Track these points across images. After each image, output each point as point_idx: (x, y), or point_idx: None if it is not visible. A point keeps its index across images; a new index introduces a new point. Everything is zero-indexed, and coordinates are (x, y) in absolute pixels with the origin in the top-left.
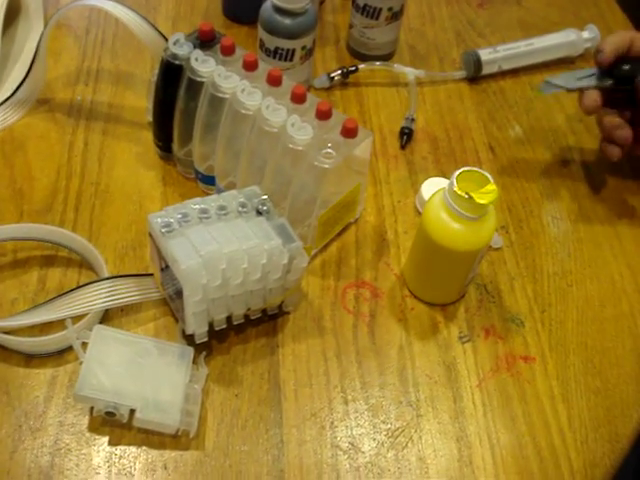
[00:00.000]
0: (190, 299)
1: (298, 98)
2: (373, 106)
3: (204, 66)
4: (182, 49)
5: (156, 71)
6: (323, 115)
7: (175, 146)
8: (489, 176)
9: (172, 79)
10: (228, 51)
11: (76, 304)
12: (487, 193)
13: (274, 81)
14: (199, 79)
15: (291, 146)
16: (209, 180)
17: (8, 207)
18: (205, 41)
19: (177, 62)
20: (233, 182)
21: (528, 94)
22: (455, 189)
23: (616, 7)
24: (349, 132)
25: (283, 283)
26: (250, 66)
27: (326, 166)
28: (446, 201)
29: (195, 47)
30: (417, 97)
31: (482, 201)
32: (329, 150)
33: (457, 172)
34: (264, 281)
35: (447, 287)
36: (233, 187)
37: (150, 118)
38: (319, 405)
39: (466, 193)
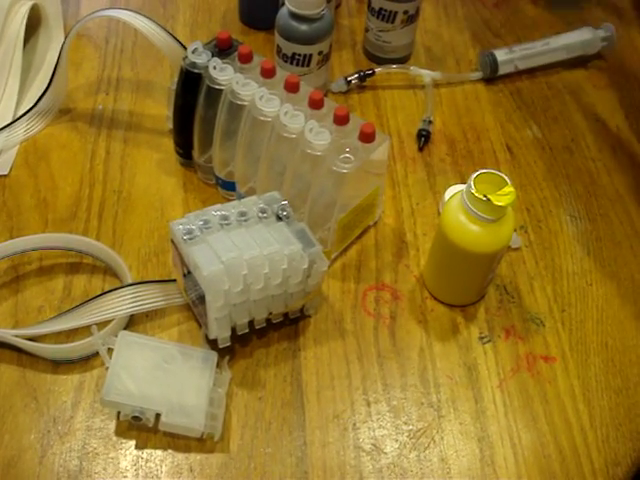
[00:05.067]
0: (212, 305)
1: (316, 104)
2: (390, 109)
3: (222, 74)
4: (201, 57)
5: (175, 79)
6: (341, 120)
7: (195, 153)
8: (507, 178)
9: (191, 87)
10: (246, 59)
11: (101, 311)
12: (505, 195)
13: (292, 87)
14: (218, 87)
15: (309, 151)
16: (229, 186)
17: (33, 216)
18: (223, 49)
19: (196, 70)
20: (253, 188)
21: (545, 93)
22: (473, 191)
23: (631, 5)
24: (367, 137)
25: (304, 287)
26: (268, 73)
27: (344, 171)
28: (464, 204)
29: (213, 55)
30: (434, 99)
31: (500, 203)
32: (347, 155)
33: (475, 174)
34: (285, 286)
35: (467, 288)
36: (253, 193)
37: (170, 125)
38: (341, 407)
39: (484, 195)
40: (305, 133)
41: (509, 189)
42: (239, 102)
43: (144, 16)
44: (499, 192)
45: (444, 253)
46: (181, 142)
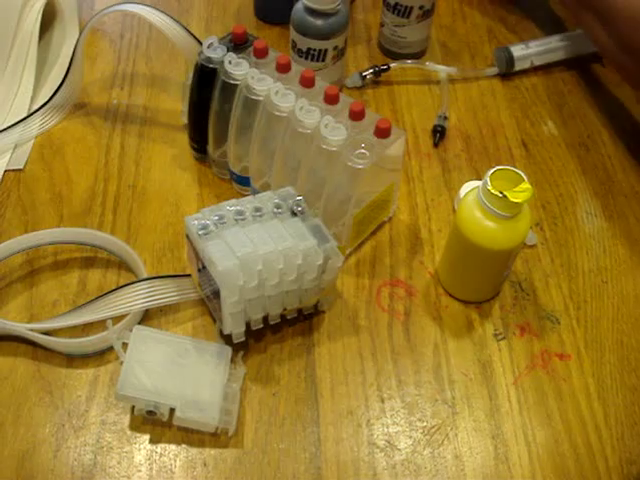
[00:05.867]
0: (227, 300)
1: (331, 99)
2: (405, 104)
3: (238, 69)
4: (216, 52)
5: (190, 74)
6: (356, 116)
7: (210, 147)
8: (523, 175)
9: (206, 82)
10: (261, 53)
11: (115, 305)
12: (521, 192)
13: (307, 82)
14: (233, 82)
15: (325, 147)
16: (244, 181)
17: (48, 210)
18: (238, 44)
19: (211, 65)
20: (268, 183)
21: (561, 89)
22: (489, 188)
23: None
24: (382, 132)
25: (318, 283)
26: (283, 68)
27: (360, 166)
28: (480, 200)
29: (229, 50)
30: (449, 95)
31: (516, 200)
32: (363, 150)
33: (491, 171)
34: (300, 281)
35: (482, 285)
36: (268, 188)
37: (185, 120)
38: (355, 403)
39: (500, 192)
40: (320, 129)
41: (525, 186)
42: (254, 97)
43: (159, 11)
44: (515, 189)
45: (459, 249)
46: (196, 137)
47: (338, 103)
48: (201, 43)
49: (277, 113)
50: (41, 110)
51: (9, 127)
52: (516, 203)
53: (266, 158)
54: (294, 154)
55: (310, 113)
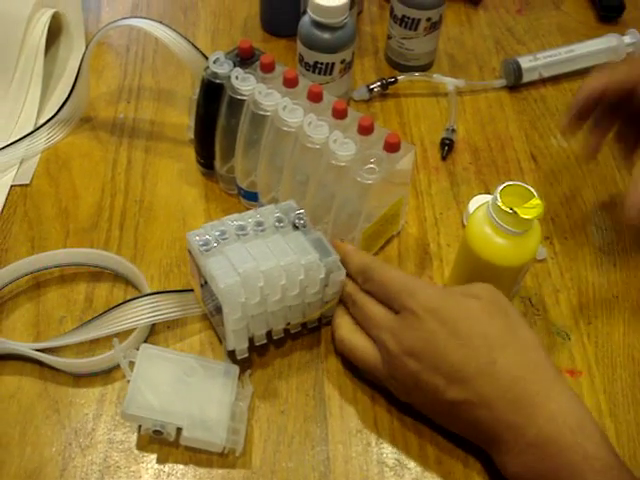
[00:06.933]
0: (230, 317)
1: (339, 113)
2: (413, 117)
3: (245, 84)
4: (222, 68)
5: (197, 89)
6: (365, 130)
7: (217, 163)
8: (533, 190)
9: (213, 97)
10: (268, 68)
11: (120, 321)
12: (532, 208)
13: (315, 97)
14: (240, 97)
15: (334, 162)
16: (251, 196)
17: (54, 225)
18: (245, 58)
19: (218, 81)
20: (276, 198)
21: (570, 101)
22: (499, 204)
23: None
24: (392, 147)
25: (322, 297)
26: (290, 83)
27: (369, 182)
28: (490, 216)
29: (235, 65)
30: (457, 107)
31: (527, 216)
32: (372, 165)
33: (501, 187)
34: (302, 296)
35: None
36: (276, 203)
37: (191, 135)
38: (364, 421)
39: (510, 208)
40: (329, 144)
41: (536, 202)
42: (262, 112)
43: (165, 25)
44: (525, 205)
45: (469, 265)
46: (203, 152)
47: (346, 117)
48: (207, 58)
49: (285, 128)
50: (47, 124)
51: (15, 142)
52: (526, 219)
53: (274, 173)
54: (302, 169)
55: (319, 128)
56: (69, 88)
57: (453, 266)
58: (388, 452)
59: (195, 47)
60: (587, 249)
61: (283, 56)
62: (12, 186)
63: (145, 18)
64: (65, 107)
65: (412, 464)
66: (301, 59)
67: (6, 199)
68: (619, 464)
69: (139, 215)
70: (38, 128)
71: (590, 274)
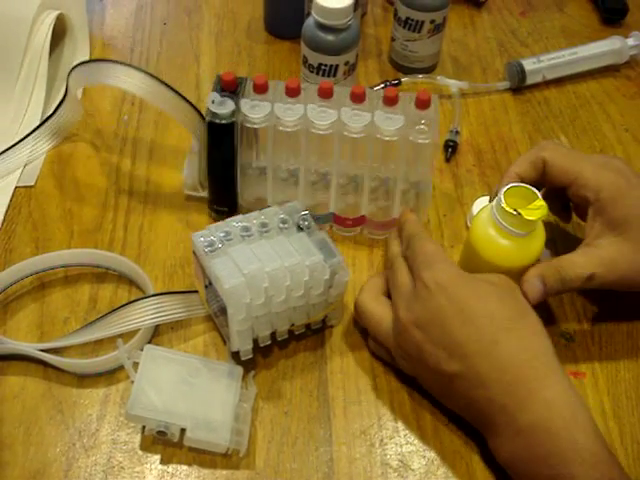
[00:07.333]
0: (234, 317)
1: (359, 98)
2: None
3: (257, 111)
4: (223, 106)
5: (194, 143)
6: (390, 101)
7: (243, 201)
8: (537, 192)
9: (223, 139)
10: (262, 89)
11: (124, 322)
12: (536, 209)
13: (326, 93)
14: (257, 126)
15: (387, 138)
16: None
17: (59, 227)
18: (231, 92)
19: (223, 121)
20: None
21: (573, 103)
22: (503, 205)
23: None
24: (423, 103)
25: (326, 298)
26: (294, 92)
27: (428, 141)
28: (494, 218)
29: (232, 99)
30: (461, 109)
31: (531, 217)
32: (421, 126)
33: (504, 188)
34: (307, 297)
35: None
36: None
37: (197, 191)
38: (368, 422)
39: (514, 210)
40: (377, 123)
41: (540, 203)
42: (289, 130)
43: (151, 79)
44: (530, 206)
45: (473, 267)
46: (222, 201)
47: (365, 100)
48: (198, 110)
49: (321, 132)
50: (51, 126)
51: (17, 143)
52: (530, 221)
53: (320, 179)
54: (349, 167)
55: (358, 117)
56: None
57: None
58: (392, 453)
59: (184, 98)
60: None
61: (287, 58)
62: (16, 187)
63: (130, 67)
64: (58, 112)
65: (416, 465)
66: (305, 61)
67: (10, 200)
68: (609, 458)
69: (143, 216)
70: (35, 129)
71: None
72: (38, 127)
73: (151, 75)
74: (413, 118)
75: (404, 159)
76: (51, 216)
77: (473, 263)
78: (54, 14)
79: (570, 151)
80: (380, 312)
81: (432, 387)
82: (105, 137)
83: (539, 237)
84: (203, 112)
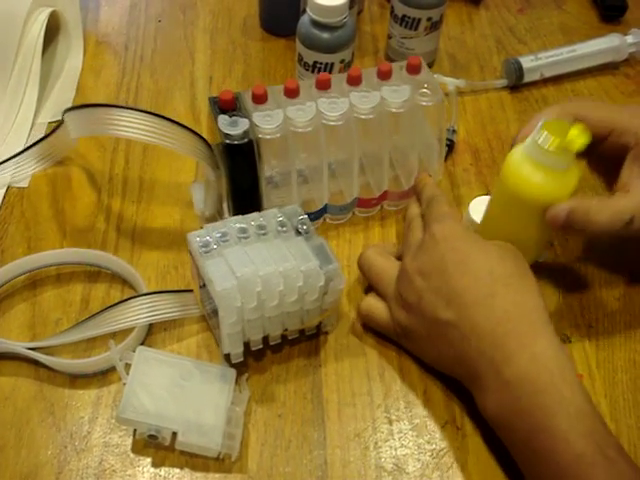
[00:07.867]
0: (225, 320)
1: (354, 80)
2: None
3: (270, 121)
4: (237, 127)
5: (209, 172)
6: (384, 75)
7: None
8: (570, 123)
9: (244, 158)
10: (261, 99)
11: (116, 320)
12: (576, 137)
13: (323, 85)
14: (271, 137)
15: (394, 110)
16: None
17: (51, 226)
18: (231, 109)
19: (236, 142)
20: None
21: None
22: (545, 136)
23: None
24: (414, 68)
25: (320, 304)
26: (293, 93)
27: (431, 103)
28: (532, 154)
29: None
30: (458, 107)
31: (580, 141)
32: (424, 90)
33: (540, 123)
34: (301, 303)
35: (524, 246)
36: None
37: (214, 221)
38: (363, 425)
39: (556, 140)
40: (385, 95)
41: (575, 132)
42: (309, 129)
43: (150, 117)
44: (568, 137)
45: (505, 216)
46: None
47: (362, 83)
48: (204, 139)
49: (340, 123)
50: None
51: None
52: (576, 149)
53: (340, 167)
54: (372, 151)
55: (367, 99)
56: (67, 87)
57: (481, 225)
58: (386, 456)
59: (191, 131)
60: (589, 251)
61: (282, 56)
62: (9, 187)
63: (127, 108)
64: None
65: (410, 469)
66: (300, 59)
67: (3, 200)
68: (594, 413)
69: (136, 216)
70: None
71: (592, 277)
72: (25, 150)
73: (154, 114)
74: (413, 84)
75: (416, 125)
76: (44, 215)
77: (506, 210)
78: (47, 11)
79: (599, 103)
80: (384, 263)
81: (425, 338)
82: (98, 137)
83: (575, 171)
84: (203, 134)
